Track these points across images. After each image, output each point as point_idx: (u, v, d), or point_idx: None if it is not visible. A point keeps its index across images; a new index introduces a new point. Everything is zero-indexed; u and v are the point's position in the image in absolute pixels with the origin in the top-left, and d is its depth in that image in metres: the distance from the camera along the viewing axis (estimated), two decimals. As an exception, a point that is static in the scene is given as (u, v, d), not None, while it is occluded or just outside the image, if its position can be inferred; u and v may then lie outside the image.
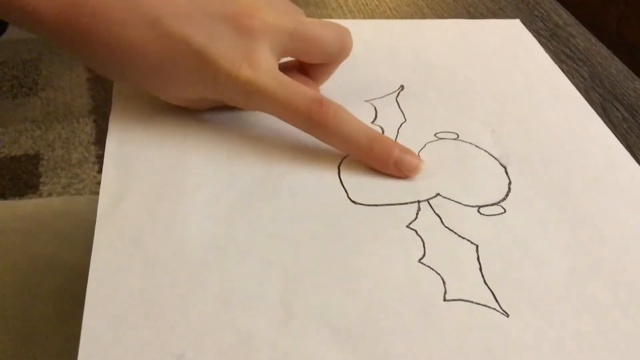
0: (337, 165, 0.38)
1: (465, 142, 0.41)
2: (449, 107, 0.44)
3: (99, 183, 1.48)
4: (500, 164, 0.39)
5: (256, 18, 0.36)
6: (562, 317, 0.30)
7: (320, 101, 0.37)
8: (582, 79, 0.49)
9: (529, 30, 0.55)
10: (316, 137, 0.38)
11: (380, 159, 0.37)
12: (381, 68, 0.47)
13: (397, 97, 0.44)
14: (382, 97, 0.44)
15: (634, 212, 0.37)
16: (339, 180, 0.37)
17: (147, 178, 0.35)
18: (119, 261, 0.31)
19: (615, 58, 0.52)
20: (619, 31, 1.63)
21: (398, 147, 0.37)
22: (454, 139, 0.41)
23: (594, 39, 0.55)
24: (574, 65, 0.51)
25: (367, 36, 0.51)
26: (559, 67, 0.49)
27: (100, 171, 1.49)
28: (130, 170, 0.36)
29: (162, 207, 0.34)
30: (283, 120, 0.38)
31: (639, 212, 0.37)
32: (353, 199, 0.36)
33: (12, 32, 1.98)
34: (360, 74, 0.46)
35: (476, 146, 0.40)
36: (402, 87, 0.45)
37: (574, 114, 0.44)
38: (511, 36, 0.53)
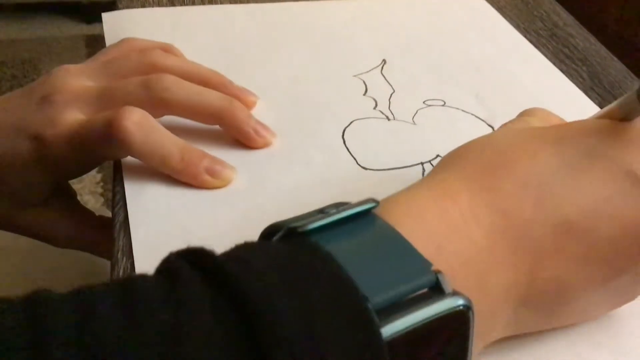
0: (341, 135, 0.40)
1: (453, 107, 0.44)
2: (431, 77, 0.47)
3: (98, 183, 1.48)
4: (488, 124, 0.43)
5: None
6: None
7: (118, 110, 0.34)
8: (581, 79, 0.49)
9: (529, 31, 0.55)
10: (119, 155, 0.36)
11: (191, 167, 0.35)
12: (361, 45, 0.50)
13: (381, 71, 0.47)
14: (367, 71, 0.47)
15: None
16: (346, 149, 0.39)
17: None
18: (158, 236, 0.32)
19: (615, 58, 0.52)
20: (618, 31, 1.63)
21: (208, 157, 0.36)
22: (442, 105, 0.44)
23: (593, 39, 0.55)
24: (573, 65, 0.51)
25: (345, 16, 0.54)
26: (558, 67, 0.50)
27: (99, 171, 1.49)
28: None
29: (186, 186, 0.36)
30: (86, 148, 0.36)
31: None
32: (362, 165, 0.38)
33: (11, 32, 1.97)
34: (343, 52, 0.49)
35: (463, 110, 0.44)
36: (384, 61, 0.49)
37: (542, 75, 0.49)
38: (474, 10, 0.57)
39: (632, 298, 0.29)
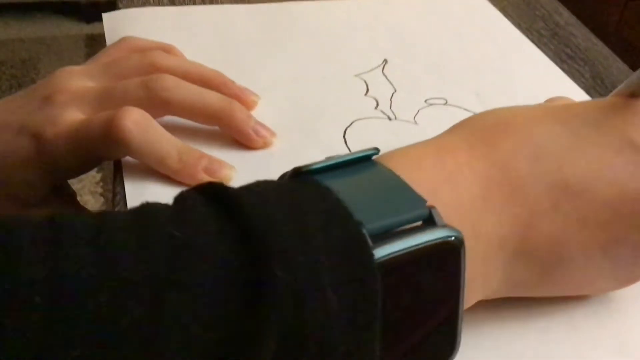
0: (342, 135, 0.40)
1: (454, 105, 0.44)
2: (432, 76, 0.47)
3: (98, 183, 1.48)
4: None
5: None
6: None
7: (117, 110, 0.34)
8: (583, 79, 0.49)
9: (531, 30, 0.54)
10: (117, 154, 0.36)
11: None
12: (362, 45, 0.50)
13: (382, 70, 0.47)
14: (369, 71, 0.47)
15: None
16: (347, 149, 0.39)
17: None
18: None
19: (617, 58, 0.52)
20: (620, 31, 1.63)
21: (207, 157, 0.36)
22: (444, 104, 0.44)
23: (595, 39, 0.54)
24: (575, 65, 0.51)
25: (345, 16, 0.54)
26: (559, 67, 0.49)
27: (99, 171, 1.49)
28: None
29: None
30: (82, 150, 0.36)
31: None
32: None
33: (11, 31, 1.97)
34: (343, 52, 0.49)
35: (464, 109, 0.44)
36: (385, 60, 0.49)
37: (543, 74, 0.49)
38: (476, 9, 0.57)
39: (635, 278, 0.29)
